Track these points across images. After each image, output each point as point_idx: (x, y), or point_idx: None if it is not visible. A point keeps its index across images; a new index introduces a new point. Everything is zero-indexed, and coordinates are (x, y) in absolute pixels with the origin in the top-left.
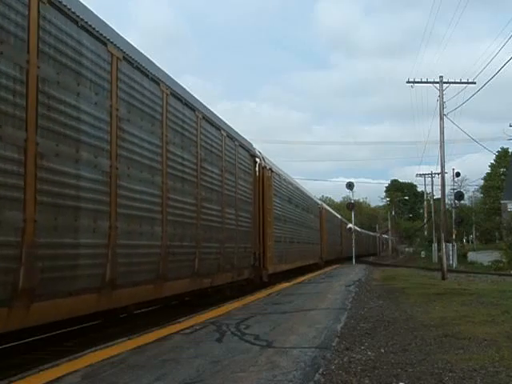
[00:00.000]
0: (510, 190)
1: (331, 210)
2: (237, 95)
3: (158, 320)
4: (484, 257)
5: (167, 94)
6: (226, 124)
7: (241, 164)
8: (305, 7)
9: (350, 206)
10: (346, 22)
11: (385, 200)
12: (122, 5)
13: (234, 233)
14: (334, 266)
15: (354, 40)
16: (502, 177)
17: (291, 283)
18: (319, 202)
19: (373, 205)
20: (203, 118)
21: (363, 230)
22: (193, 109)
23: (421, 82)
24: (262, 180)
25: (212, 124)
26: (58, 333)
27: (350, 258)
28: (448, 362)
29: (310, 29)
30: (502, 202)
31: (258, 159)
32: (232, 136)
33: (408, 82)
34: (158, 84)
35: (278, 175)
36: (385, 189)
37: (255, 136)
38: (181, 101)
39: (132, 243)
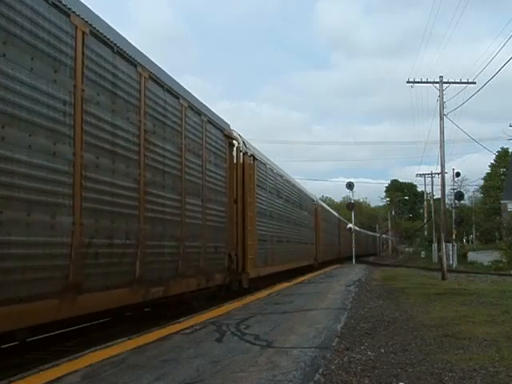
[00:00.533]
0: (510, 190)
1: (328, 207)
2: (237, 95)
3: (157, 320)
4: (484, 257)
5: (84, 33)
6: (188, 93)
7: (211, 145)
8: (305, 7)
9: (350, 206)
10: (345, 22)
11: (385, 200)
12: (121, 5)
13: (200, 229)
14: (334, 266)
15: (354, 40)
16: (502, 177)
17: (291, 283)
18: (314, 198)
19: (373, 205)
20: (150, 77)
21: (362, 230)
22: (133, 63)
23: (421, 82)
24: (242, 168)
25: (165, 88)
26: (58, 333)
27: (349, 259)
28: (448, 362)
29: (310, 29)
30: (501, 202)
31: (235, 142)
32: (197, 109)
33: (408, 82)
34: (68, 15)
35: (264, 164)
36: (385, 189)
37: (255, 136)
38: (111, 48)
39: (7, 239)
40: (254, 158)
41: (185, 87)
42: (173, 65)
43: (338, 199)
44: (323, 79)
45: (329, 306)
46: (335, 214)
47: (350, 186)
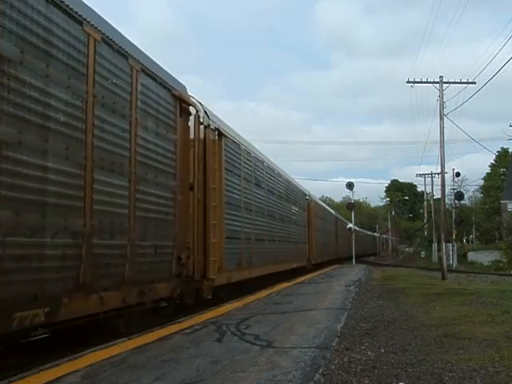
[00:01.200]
0: (510, 190)
1: (323, 204)
2: (237, 95)
3: (157, 320)
4: (484, 257)
5: None
6: (105, 23)
7: (149, 106)
8: (305, 7)
9: (350, 206)
10: (345, 22)
11: (385, 200)
12: (122, 5)
13: (126, 221)
14: (334, 266)
15: (354, 40)
16: (502, 177)
17: (291, 283)
18: (307, 192)
19: (373, 205)
20: None
21: (361, 230)
22: None
23: (421, 82)
24: (204, 144)
25: (50, 1)
26: (58, 333)
27: (347, 259)
28: (448, 361)
29: (310, 29)
30: (502, 202)
31: (192, 109)
32: (120, 48)
33: (408, 82)
34: None
35: (236, 144)
36: (385, 189)
37: (255, 136)
38: None
39: None
40: (221, 134)
41: (100, 15)
42: (173, 65)
43: (338, 199)
44: (323, 79)
45: (329, 306)
46: (332, 211)
47: (349, 185)
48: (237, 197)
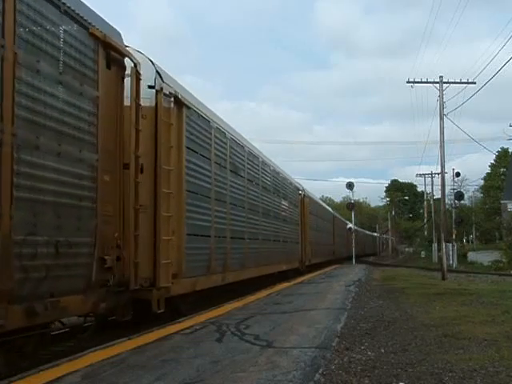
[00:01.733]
0: (510, 190)
1: (319, 200)
2: (237, 95)
3: (157, 320)
4: (484, 257)
5: None
6: None
7: (43, 40)
8: (305, 7)
9: (350, 206)
10: (345, 22)
11: (385, 200)
12: (121, 5)
13: None
14: (334, 266)
15: (354, 40)
16: (502, 177)
17: (291, 283)
18: (300, 187)
19: (373, 205)
20: None
21: (360, 229)
22: None
23: (421, 82)
24: (155, 114)
25: None
26: (58, 333)
27: (343, 260)
28: (448, 362)
29: (310, 29)
30: (501, 202)
31: (129, 63)
32: None
33: (408, 82)
34: None
35: (206, 120)
36: (385, 189)
37: (255, 136)
38: None
39: None
40: (180, 103)
41: None
42: (173, 65)
43: (338, 199)
44: (323, 79)
45: (329, 306)
46: (329, 208)
47: (349, 185)
48: (205, 184)
